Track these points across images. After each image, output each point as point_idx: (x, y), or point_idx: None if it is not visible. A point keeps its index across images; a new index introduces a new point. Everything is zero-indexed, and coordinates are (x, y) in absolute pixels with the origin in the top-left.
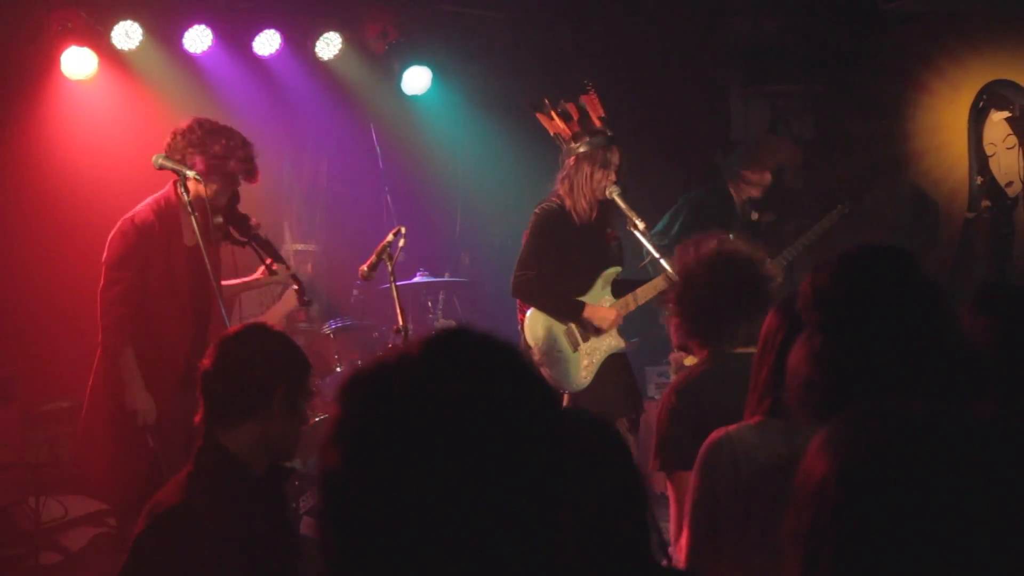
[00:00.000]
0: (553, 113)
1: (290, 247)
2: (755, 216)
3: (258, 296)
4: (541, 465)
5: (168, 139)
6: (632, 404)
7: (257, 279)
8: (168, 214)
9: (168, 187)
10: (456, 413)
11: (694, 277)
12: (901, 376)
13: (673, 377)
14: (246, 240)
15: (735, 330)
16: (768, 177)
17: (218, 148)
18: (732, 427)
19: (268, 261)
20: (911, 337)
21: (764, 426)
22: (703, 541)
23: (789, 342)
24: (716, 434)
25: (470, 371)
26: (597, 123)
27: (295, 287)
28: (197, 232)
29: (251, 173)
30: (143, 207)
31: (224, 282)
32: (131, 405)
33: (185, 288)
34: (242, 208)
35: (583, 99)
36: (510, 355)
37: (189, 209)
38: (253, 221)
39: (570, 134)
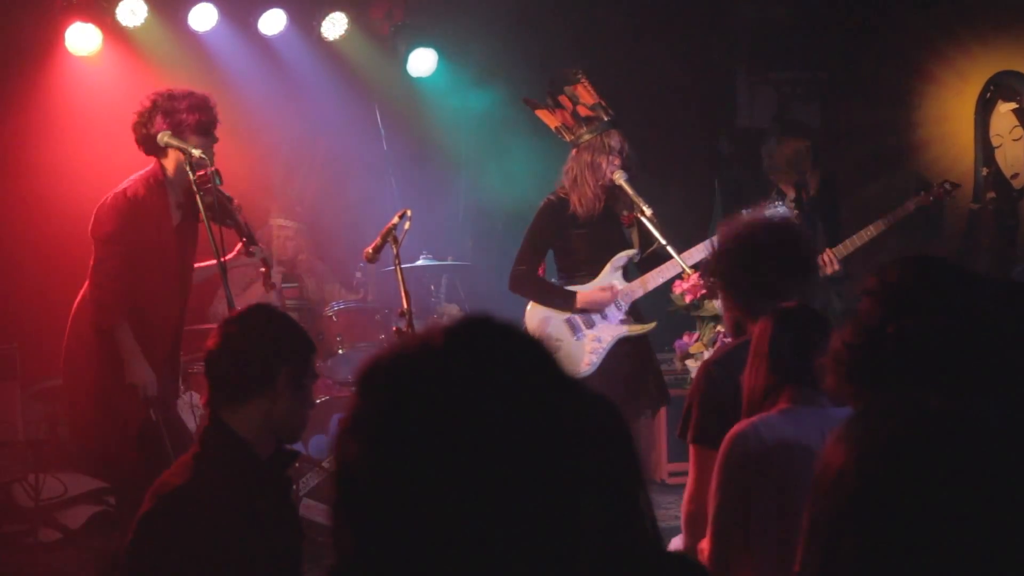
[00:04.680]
0: (551, 107)
1: (274, 222)
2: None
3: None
4: (566, 456)
5: (135, 117)
6: (639, 394)
7: (231, 258)
8: (157, 191)
9: (153, 164)
10: (482, 404)
11: (726, 251)
12: (949, 358)
13: (704, 355)
14: (229, 222)
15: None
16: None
17: (174, 103)
18: (755, 418)
19: (244, 240)
20: (963, 336)
21: (790, 414)
22: (729, 534)
23: (778, 345)
24: (741, 424)
25: (495, 361)
26: (594, 111)
27: (262, 269)
28: (203, 210)
29: (206, 124)
30: (133, 182)
31: (198, 264)
32: (132, 378)
33: (175, 266)
34: (248, 186)
35: (575, 88)
36: (533, 345)
37: (195, 188)
38: (236, 203)
39: (572, 124)
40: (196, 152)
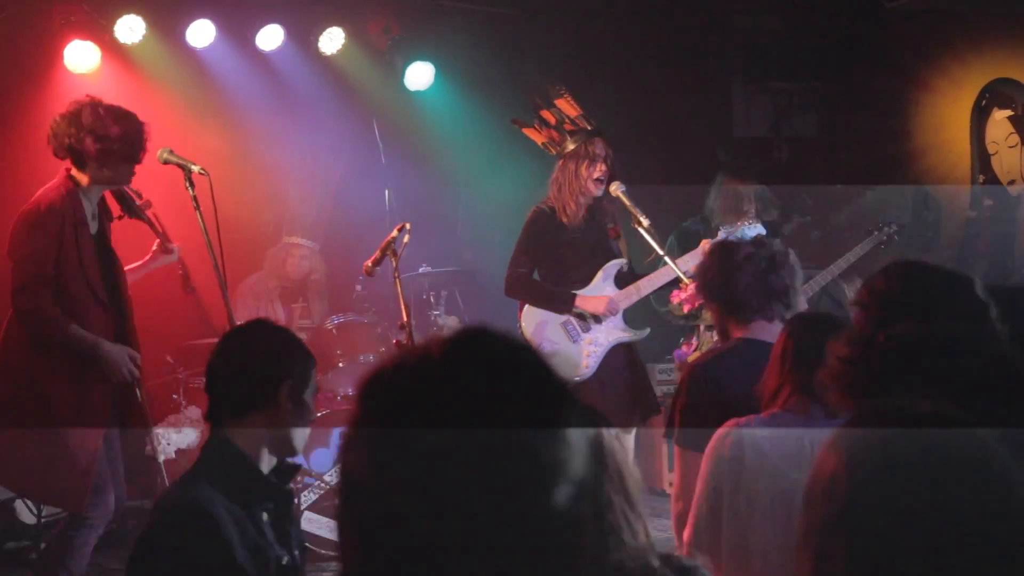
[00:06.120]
0: (537, 125)
1: (288, 241)
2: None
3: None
4: (564, 465)
5: (54, 121)
6: (639, 402)
7: (149, 260)
8: (70, 199)
9: (61, 173)
10: (481, 414)
11: (709, 271)
12: (937, 374)
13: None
14: (144, 217)
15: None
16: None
17: (106, 130)
18: (742, 419)
19: (159, 240)
20: (953, 340)
21: (776, 418)
22: (705, 529)
23: (797, 355)
24: (726, 425)
25: (493, 371)
26: (577, 122)
27: (180, 272)
28: (204, 229)
29: (132, 154)
30: (45, 193)
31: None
32: (112, 367)
33: (96, 278)
34: (250, 200)
35: (558, 103)
36: (531, 355)
37: (195, 204)
38: (144, 199)
39: (558, 137)
40: (196, 167)
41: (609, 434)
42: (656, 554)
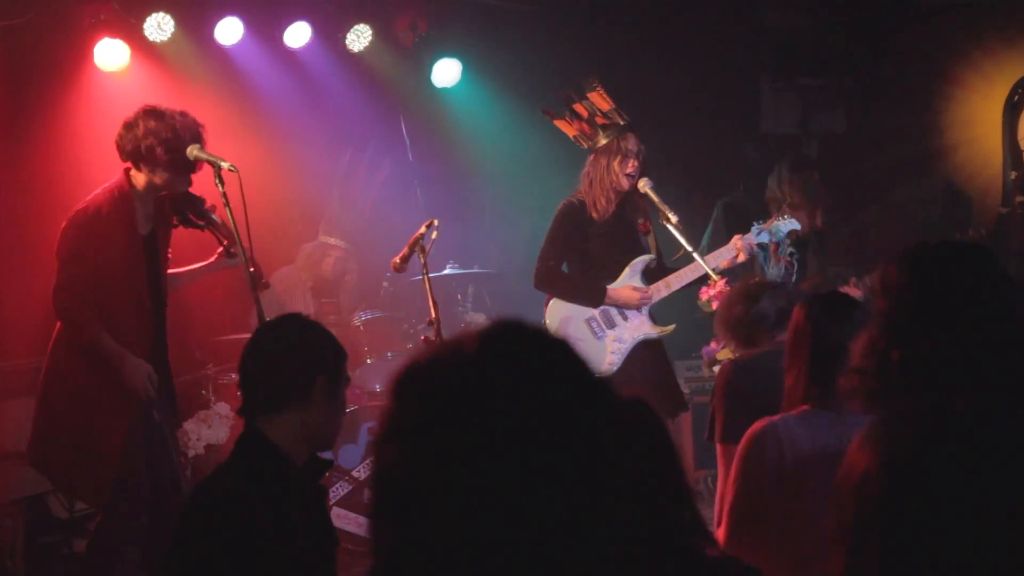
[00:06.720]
0: (568, 117)
1: (326, 240)
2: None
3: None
4: (602, 459)
5: (121, 131)
6: (665, 399)
7: (213, 263)
8: (122, 202)
9: (120, 175)
10: (516, 408)
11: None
12: (960, 371)
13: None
14: (204, 224)
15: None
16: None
17: (171, 134)
18: (776, 417)
19: (226, 243)
20: (976, 333)
21: (809, 416)
22: (743, 527)
23: (817, 335)
24: (760, 423)
25: (527, 366)
26: (610, 116)
27: (251, 269)
28: (234, 224)
29: (193, 168)
30: (96, 196)
31: (177, 269)
32: (127, 383)
33: (142, 280)
34: (275, 199)
35: (590, 96)
36: (564, 349)
37: (224, 200)
38: (208, 204)
39: (589, 131)
40: (225, 164)
41: (658, 424)
42: (712, 549)
